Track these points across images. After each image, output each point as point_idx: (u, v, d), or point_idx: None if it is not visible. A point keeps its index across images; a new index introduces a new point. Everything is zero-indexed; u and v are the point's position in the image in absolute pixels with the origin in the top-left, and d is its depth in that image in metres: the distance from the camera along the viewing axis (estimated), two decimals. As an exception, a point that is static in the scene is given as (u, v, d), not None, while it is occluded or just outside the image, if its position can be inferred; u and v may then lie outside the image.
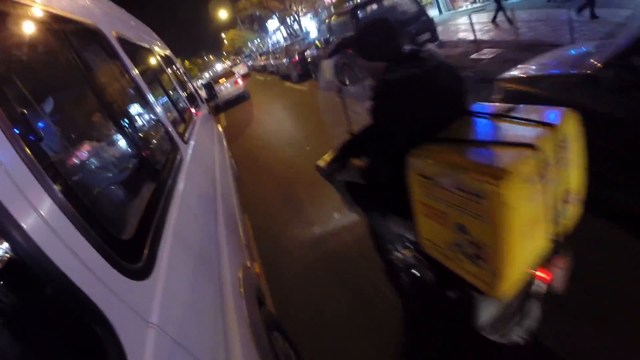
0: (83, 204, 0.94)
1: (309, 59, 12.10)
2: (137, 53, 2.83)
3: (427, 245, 1.55)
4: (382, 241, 2.37)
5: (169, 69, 4.36)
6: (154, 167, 1.70)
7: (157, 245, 1.14)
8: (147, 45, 3.41)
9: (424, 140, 1.38)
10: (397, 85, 1.44)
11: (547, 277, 1.42)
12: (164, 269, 1.06)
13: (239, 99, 14.44)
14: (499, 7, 8.75)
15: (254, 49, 48.74)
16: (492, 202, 1.11)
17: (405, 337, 2.06)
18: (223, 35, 56.10)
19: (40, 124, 1.08)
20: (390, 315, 2.21)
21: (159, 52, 4.10)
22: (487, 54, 6.86)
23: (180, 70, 5.88)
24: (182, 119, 3.31)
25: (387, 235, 2.13)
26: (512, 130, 1.32)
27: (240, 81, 14.39)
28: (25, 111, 1.05)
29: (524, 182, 1.11)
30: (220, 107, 13.75)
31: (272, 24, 43.76)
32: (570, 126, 1.31)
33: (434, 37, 7.86)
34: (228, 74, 15.07)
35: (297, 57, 13.16)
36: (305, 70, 12.93)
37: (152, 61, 3.51)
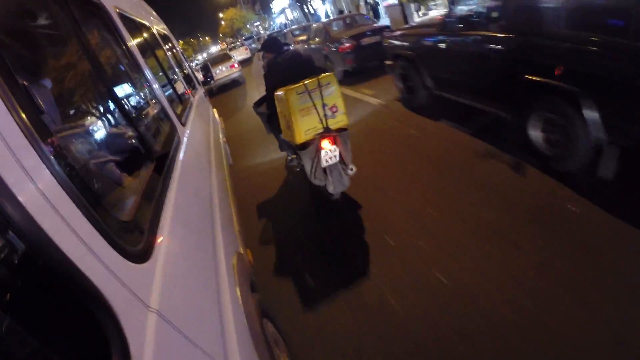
0: (84, 183, 0.92)
1: (388, 44, 5.88)
2: (138, 30, 2.76)
3: (284, 133, 3.25)
4: (285, 154, 4.20)
5: (167, 49, 4.27)
6: (153, 148, 1.68)
7: (156, 228, 1.13)
8: (146, 23, 3.33)
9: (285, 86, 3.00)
10: (273, 63, 3.40)
11: (326, 145, 2.98)
12: (163, 253, 1.05)
13: (234, 82, 14.30)
14: None
15: (254, 31, 46.11)
16: (284, 100, 2.86)
17: (289, 196, 4.26)
18: (221, 15, 54.12)
19: (40, 98, 1.04)
20: (284, 188, 4.46)
21: (158, 30, 4.00)
22: None
23: (178, 50, 5.76)
24: (180, 100, 3.26)
25: (284, 146, 3.93)
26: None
27: (236, 65, 14.30)
28: (25, 84, 1.02)
29: (295, 93, 2.84)
30: (213, 91, 13.67)
31: (278, 4, 41.13)
32: (326, 78, 2.92)
33: None
34: (224, 57, 14.91)
35: (349, 44, 8.18)
36: (363, 66, 8.29)
37: (152, 39, 3.43)
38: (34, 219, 0.64)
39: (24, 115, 0.76)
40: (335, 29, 9.69)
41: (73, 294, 0.70)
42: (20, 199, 0.63)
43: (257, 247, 3.35)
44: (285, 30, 20.11)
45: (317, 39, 10.15)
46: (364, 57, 8.17)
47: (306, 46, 10.66)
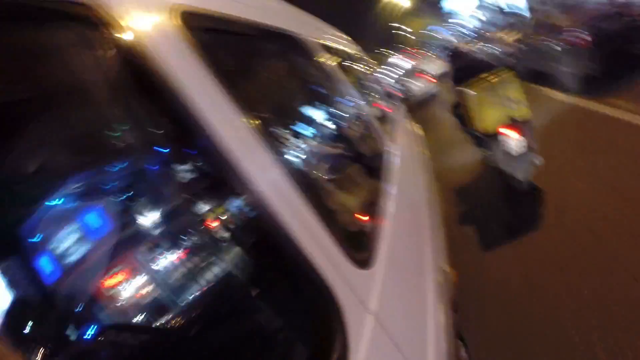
0: (321, 197, 1.09)
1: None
2: (338, 55, 3.03)
3: (474, 126, 3.66)
4: (481, 150, 4.55)
5: (363, 66, 4.55)
6: (368, 162, 1.89)
7: (377, 238, 1.26)
8: (342, 47, 3.63)
9: None
10: (459, 66, 4.45)
11: (513, 133, 3.24)
12: (382, 261, 1.14)
13: (430, 97, 13.67)
14: None
15: (440, 37, 41.14)
16: (472, 95, 3.53)
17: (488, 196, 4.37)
18: (403, 26, 51.98)
19: (279, 126, 1.28)
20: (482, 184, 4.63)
21: (350, 51, 4.30)
22: None
23: (371, 67, 6.06)
24: (384, 116, 3.43)
25: (477, 141, 4.24)
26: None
27: (430, 78, 13.91)
28: (268, 116, 1.24)
29: (479, 87, 3.46)
30: (409, 106, 13.66)
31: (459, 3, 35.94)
32: (505, 73, 3.48)
33: None
34: (415, 70, 14.78)
35: (584, 35, 5.54)
36: (611, 65, 5.13)
37: (350, 60, 3.74)
38: (288, 232, 0.77)
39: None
40: (555, 15, 6.86)
41: (309, 291, 0.81)
42: (277, 214, 0.77)
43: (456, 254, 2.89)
44: (481, 31, 17.82)
45: (528, 34, 7.67)
46: (612, 51, 5.08)
47: (520, 46, 8.36)
